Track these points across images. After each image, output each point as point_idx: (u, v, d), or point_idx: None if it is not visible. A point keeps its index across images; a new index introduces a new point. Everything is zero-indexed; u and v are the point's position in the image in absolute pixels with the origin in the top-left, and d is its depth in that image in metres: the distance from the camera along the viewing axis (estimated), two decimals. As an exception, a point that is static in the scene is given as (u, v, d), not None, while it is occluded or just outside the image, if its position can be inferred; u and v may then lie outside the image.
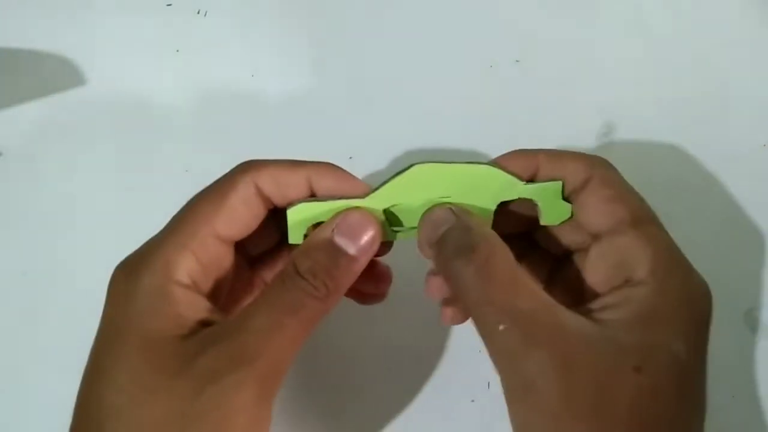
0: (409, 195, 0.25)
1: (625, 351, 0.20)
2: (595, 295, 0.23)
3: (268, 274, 0.28)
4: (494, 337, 0.21)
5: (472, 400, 0.31)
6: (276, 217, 0.26)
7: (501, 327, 0.20)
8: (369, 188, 0.25)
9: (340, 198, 0.24)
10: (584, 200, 0.24)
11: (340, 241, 0.23)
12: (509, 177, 0.25)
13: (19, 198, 0.34)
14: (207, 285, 0.23)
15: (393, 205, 0.25)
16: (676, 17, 0.36)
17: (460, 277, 0.22)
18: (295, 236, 0.25)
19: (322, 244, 0.23)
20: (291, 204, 0.24)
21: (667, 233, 0.23)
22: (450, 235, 0.23)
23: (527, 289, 0.21)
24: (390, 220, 0.25)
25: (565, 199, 0.25)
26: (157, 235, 0.23)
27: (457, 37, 0.36)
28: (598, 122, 0.35)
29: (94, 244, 0.33)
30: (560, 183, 0.25)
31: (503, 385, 0.21)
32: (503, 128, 0.34)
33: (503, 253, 0.22)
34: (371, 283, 0.27)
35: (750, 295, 0.32)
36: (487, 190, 0.25)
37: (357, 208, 0.24)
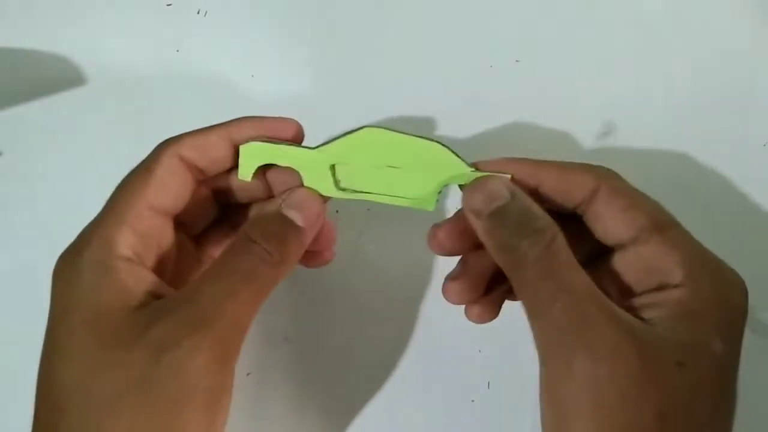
0: (356, 156, 0.25)
1: (668, 346, 0.20)
2: (630, 294, 0.24)
3: (215, 251, 0.28)
4: (548, 314, 0.21)
5: (472, 400, 0.31)
6: (210, 190, 0.27)
7: (558, 304, 0.21)
8: (295, 124, 0.26)
9: (289, 144, 0.26)
10: (598, 212, 0.24)
11: (289, 213, 0.24)
12: (457, 160, 0.25)
13: (19, 198, 0.34)
14: (150, 259, 0.24)
15: (340, 164, 0.25)
16: (676, 17, 0.36)
17: (523, 253, 0.22)
18: (244, 172, 0.26)
19: (272, 215, 0.24)
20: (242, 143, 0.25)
21: (689, 233, 0.24)
22: (510, 211, 0.23)
23: (582, 275, 0.22)
24: (335, 177, 0.26)
25: (571, 211, 0.25)
26: (93, 219, 0.23)
27: (457, 37, 0.36)
28: (598, 122, 0.35)
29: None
30: (508, 176, 0.25)
31: (545, 365, 0.22)
32: (503, 128, 0.34)
33: (563, 238, 0.23)
34: (316, 242, 0.27)
35: (750, 295, 0.32)
36: (435, 168, 0.25)
37: (301, 186, 0.26)
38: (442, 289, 0.26)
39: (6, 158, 0.35)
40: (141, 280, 0.22)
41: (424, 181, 0.25)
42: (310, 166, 0.26)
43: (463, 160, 0.25)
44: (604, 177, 0.24)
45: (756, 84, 0.35)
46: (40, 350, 0.22)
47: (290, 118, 0.26)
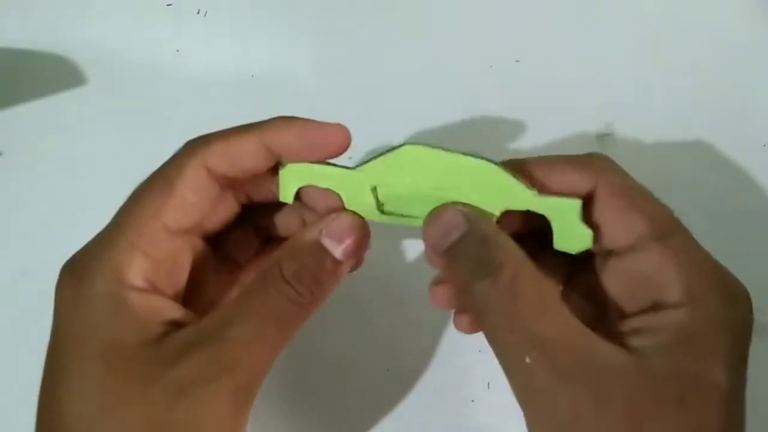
0: (400, 176, 0.23)
1: (665, 382, 0.18)
2: (621, 312, 0.21)
3: (236, 253, 0.26)
4: (520, 370, 0.19)
5: (472, 400, 0.31)
6: (232, 191, 0.24)
7: (528, 359, 0.19)
8: (343, 131, 0.23)
9: (328, 164, 0.23)
10: (593, 213, 0.22)
11: (329, 244, 0.22)
12: (515, 182, 0.21)
13: (19, 198, 0.34)
14: (168, 284, 0.22)
15: (381, 185, 0.23)
16: (676, 17, 0.36)
17: (480, 299, 0.20)
18: (286, 195, 0.24)
19: (309, 246, 0.22)
20: (280, 164, 0.23)
21: (694, 240, 0.21)
22: (465, 246, 0.21)
23: (556, 313, 0.19)
24: (378, 200, 0.24)
25: (587, 222, 0.21)
26: (104, 231, 0.22)
27: (457, 37, 0.36)
28: (598, 122, 0.35)
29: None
30: (579, 202, 0.21)
31: (530, 422, 0.20)
32: (503, 128, 0.34)
33: (529, 270, 0.20)
34: None
35: (751, 296, 0.32)
36: (488, 191, 0.22)
37: (347, 211, 0.23)
38: (429, 294, 0.24)
39: (6, 158, 0.35)
40: (157, 311, 0.21)
41: (477, 205, 0.22)
42: (351, 187, 0.23)
43: (521, 182, 0.21)
44: (602, 172, 0.22)
45: (756, 84, 0.35)
46: (38, 353, 0.21)
47: (338, 124, 0.23)
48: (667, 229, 0.21)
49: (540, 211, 0.22)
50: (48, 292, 0.31)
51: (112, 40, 0.37)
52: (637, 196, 0.22)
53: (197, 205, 0.22)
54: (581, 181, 0.22)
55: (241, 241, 0.26)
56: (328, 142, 0.23)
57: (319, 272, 0.22)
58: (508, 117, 0.35)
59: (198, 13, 0.37)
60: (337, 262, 0.22)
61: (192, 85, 0.36)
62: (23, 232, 0.34)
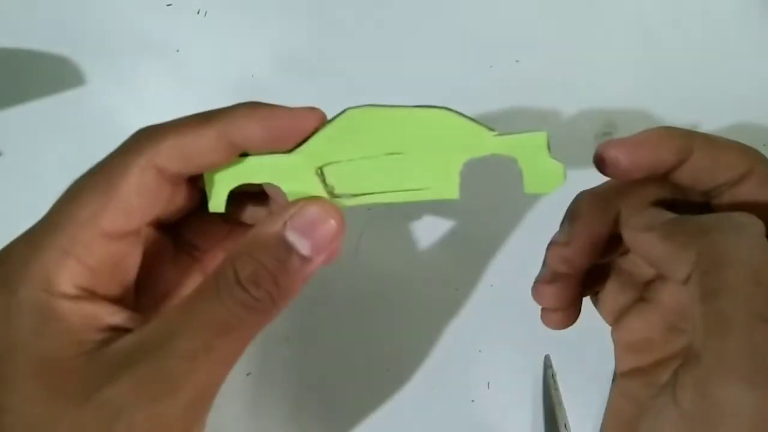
0: (344, 149, 0.20)
1: None
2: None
3: (197, 240, 0.24)
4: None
5: (472, 400, 0.31)
6: (193, 180, 0.21)
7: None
8: (319, 114, 0.20)
9: (258, 154, 0.20)
10: (740, 200, 0.19)
11: (294, 239, 0.19)
12: (473, 125, 0.19)
13: (19, 198, 0.34)
14: (110, 287, 0.19)
15: (328, 163, 0.20)
16: (677, 17, 0.36)
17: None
18: (216, 204, 0.21)
19: (271, 240, 0.19)
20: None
21: None
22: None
23: None
24: (326, 183, 0.21)
25: (702, 198, 0.20)
26: (35, 228, 0.19)
27: (457, 37, 0.36)
28: (598, 122, 0.35)
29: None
30: (544, 134, 0.19)
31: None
32: (503, 128, 0.34)
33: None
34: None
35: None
36: (447, 142, 0.20)
37: (316, 198, 0.20)
38: (534, 291, 0.22)
39: (6, 158, 0.35)
40: (93, 318, 0.18)
41: (437, 162, 0.20)
42: (291, 175, 0.20)
43: (480, 124, 0.19)
44: (758, 161, 0.20)
45: (756, 84, 0.35)
46: None
47: (309, 108, 0.20)
48: None
49: (505, 153, 0.20)
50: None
51: (112, 40, 0.37)
52: None
53: (143, 208, 0.19)
54: (739, 163, 0.20)
55: (203, 227, 0.24)
56: (297, 130, 0.20)
57: (280, 273, 0.19)
58: (508, 117, 0.35)
59: (198, 13, 0.37)
60: (304, 260, 0.19)
61: (192, 85, 0.36)
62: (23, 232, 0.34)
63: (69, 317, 0.18)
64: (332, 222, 0.20)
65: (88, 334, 0.18)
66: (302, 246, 0.19)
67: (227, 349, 0.18)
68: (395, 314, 0.32)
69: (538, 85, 0.35)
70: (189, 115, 0.20)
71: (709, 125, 0.34)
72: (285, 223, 0.19)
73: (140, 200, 0.19)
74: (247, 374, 0.32)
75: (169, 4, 0.37)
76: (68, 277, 0.18)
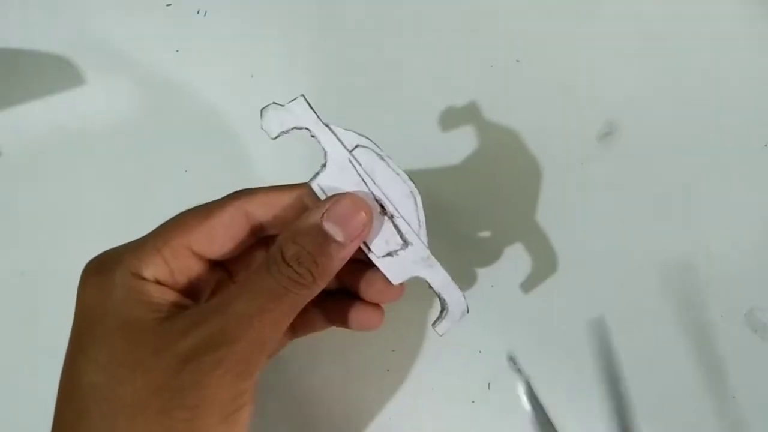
0: None
1: None
2: None
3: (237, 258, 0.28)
4: None
5: (472, 401, 0.31)
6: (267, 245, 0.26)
7: None
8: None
9: None
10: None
11: (330, 228, 0.23)
12: None
13: (19, 198, 0.34)
14: (176, 286, 0.24)
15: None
16: (676, 17, 0.36)
17: None
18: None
19: (311, 229, 0.23)
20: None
21: None
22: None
23: None
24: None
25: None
26: (138, 239, 0.24)
27: (457, 37, 0.36)
28: (598, 122, 0.35)
29: (93, 244, 0.33)
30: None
31: None
32: (503, 128, 0.34)
33: None
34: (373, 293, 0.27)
35: (751, 295, 0.32)
36: None
37: (349, 193, 0.24)
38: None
39: (6, 158, 0.35)
40: (168, 296, 0.23)
41: None
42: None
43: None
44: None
45: (756, 84, 0.35)
46: (39, 350, 0.22)
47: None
48: None
49: None
50: (46, 291, 0.31)
51: (111, 40, 0.37)
52: None
53: (223, 240, 0.24)
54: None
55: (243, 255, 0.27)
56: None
57: (318, 255, 0.23)
58: (508, 117, 0.35)
59: (198, 13, 0.37)
60: (339, 245, 0.23)
61: (192, 85, 0.36)
62: (22, 232, 0.34)
63: (150, 293, 0.22)
64: (362, 214, 0.24)
65: (164, 306, 0.22)
66: (337, 233, 0.23)
67: (277, 312, 0.22)
68: (395, 314, 0.32)
69: (538, 85, 0.35)
70: (282, 184, 0.25)
71: (708, 125, 0.34)
72: (322, 214, 0.23)
73: (225, 231, 0.24)
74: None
75: (169, 4, 0.37)
76: (152, 269, 0.23)
